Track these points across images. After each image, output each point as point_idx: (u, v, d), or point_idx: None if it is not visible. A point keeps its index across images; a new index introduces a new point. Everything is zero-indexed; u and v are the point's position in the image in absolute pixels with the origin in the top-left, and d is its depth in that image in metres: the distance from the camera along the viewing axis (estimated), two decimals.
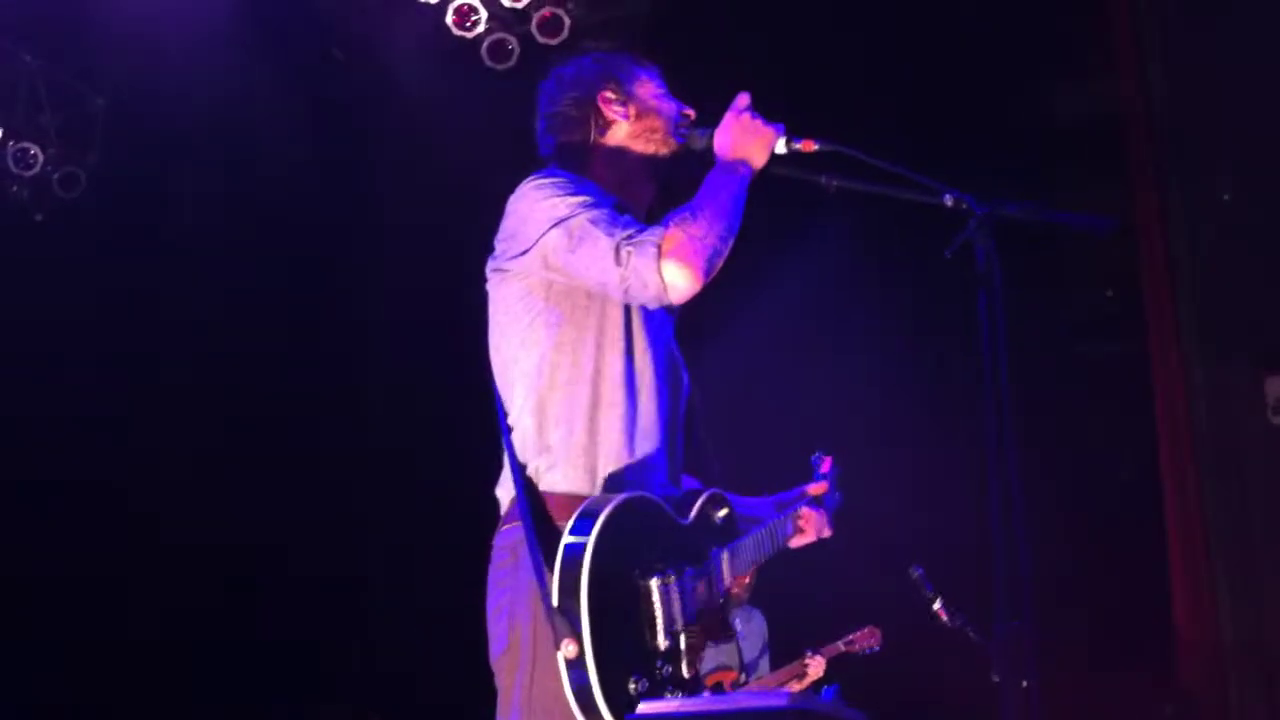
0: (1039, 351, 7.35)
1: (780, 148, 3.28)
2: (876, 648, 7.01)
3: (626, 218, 3.13)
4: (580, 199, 3.15)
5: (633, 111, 3.43)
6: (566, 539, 2.88)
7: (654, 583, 2.96)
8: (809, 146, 3.28)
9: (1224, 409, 7.26)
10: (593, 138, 3.42)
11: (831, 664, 6.93)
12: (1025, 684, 3.20)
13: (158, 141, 8.34)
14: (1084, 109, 7.87)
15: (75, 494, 8.38)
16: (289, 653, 8.71)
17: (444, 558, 6.16)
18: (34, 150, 8.28)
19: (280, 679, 8.75)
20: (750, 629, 7.03)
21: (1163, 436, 7.34)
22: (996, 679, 3.03)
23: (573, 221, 3.11)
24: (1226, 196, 7.32)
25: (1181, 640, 7.23)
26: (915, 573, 6.20)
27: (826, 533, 3.69)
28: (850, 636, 7.02)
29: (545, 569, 2.91)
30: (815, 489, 3.73)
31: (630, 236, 3.05)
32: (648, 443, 3.18)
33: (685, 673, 3.00)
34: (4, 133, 8.18)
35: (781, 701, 2.58)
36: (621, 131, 3.42)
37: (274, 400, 8.71)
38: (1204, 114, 7.37)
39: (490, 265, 3.31)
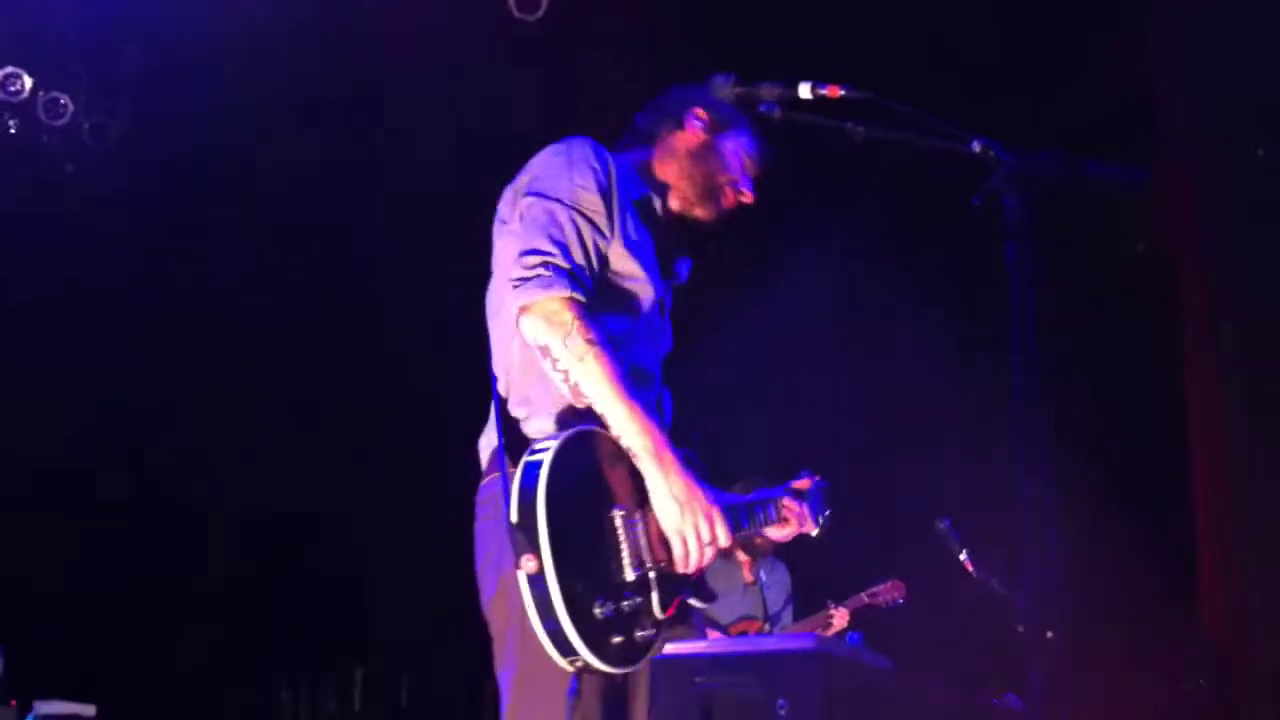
0: (1070, 313, 7.35)
1: (805, 93, 3.27)
2: (900, 600, 7.03)
3: (566, 246, 3.09)
4: (574, 186, 3.17)
5: (706, 140, 3.48)
6: (526, 458, 2.90)
7: (617, 513, 2.96)
8: (834, 92, 3.26)
9: (1255, 370, 7.22)
10: (664, 130, 3.49)
11: (855, 616, 6.96)
12: (1050, 635, 3.21)
13: (189, 91, 8.32)
14: (1112, 78, 7.80)
15: (97, 449, 8.44)
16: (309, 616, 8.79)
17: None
18: (64, 100, 8.28)
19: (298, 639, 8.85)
20: (774, 580, 7.09)
21: (1192, 397, 7.31)
22: (1021, 630, 3.04)
23: (548, 204, 3.13)
24: (1261, 151, 7.26)
25: (1207, 601, 7.23)
26: (942, 524, 6.20)
27: (810, 528, 3.70)
28: (874, 589, 7.05)
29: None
30: (799, 485, 3.75)
31: (546, 263, 3.05)
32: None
33: (658, 612, 2.98)
34: (34, 83, 8.17)
35: (809, 644, 2.60)
36: (683, 144, 3.47)
37: (301, 345, 8.76)
38: (1235, 73, 7.30)
39: (495, 218, 3.33)
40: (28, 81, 8.15)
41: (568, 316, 2.98)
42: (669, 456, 3.00)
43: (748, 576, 7.03)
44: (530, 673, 2.96)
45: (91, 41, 8.32)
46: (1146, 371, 7.57)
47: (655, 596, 2.99)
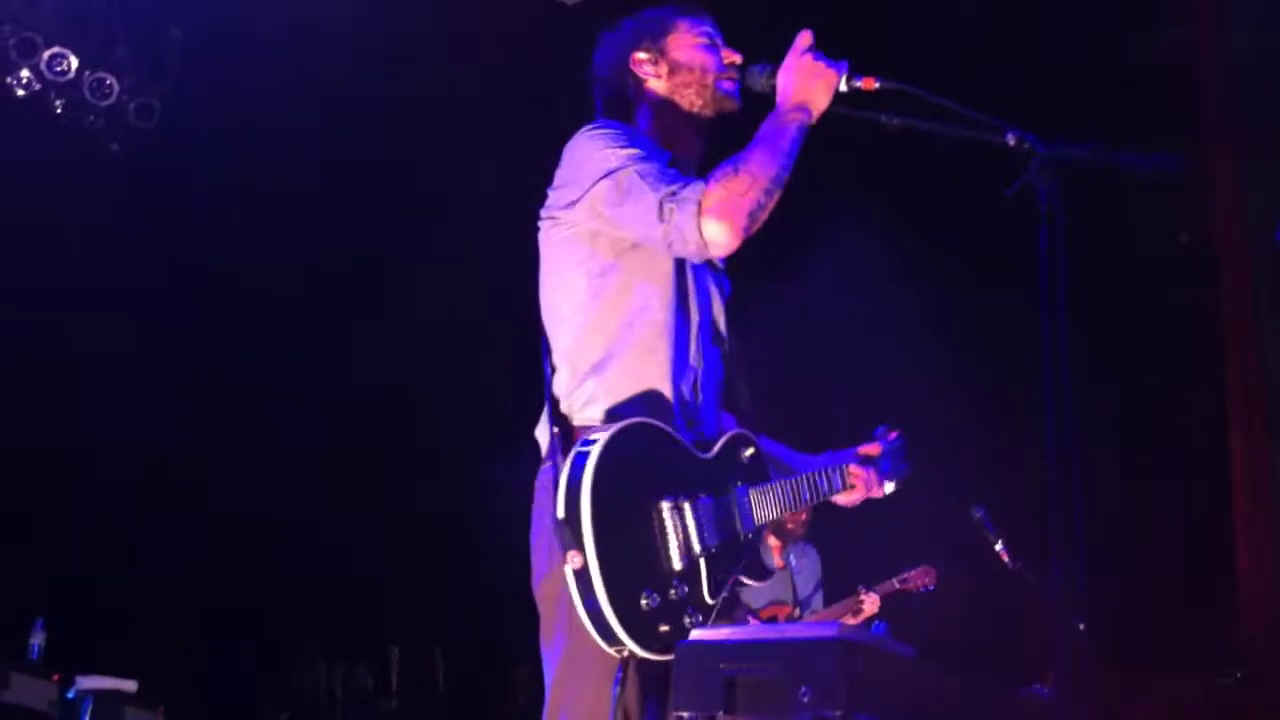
0: (1109, 299, 7.31)
1: (841, 85, 3.28)
2: (931, 586, 7.03)
3: (673, 172, 3.19)
4: (631, 151, 3.22)
5: (664, 69, 3.47)
6: (573, 451, 2.98)
7: (665, 504, 3.03)
8: (870, 84, 3.28)
9: None
10: (632, 96, 3.49)
11: (886, 602, 6.96)
12: (1082, 627, 3.21)
13: (234, 70, 8.36)
14: (1157, 54, 7.74)
15: (141, 430, 8.51)
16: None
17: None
18: (110, 80, 8.32)
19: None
20: (804, 565, 7.07)
21: (1231, 385, 7.26)
22: (1051, 621, 3.04)
23: (621, 174, 3.18)
24: None
25: (1244, 594, 7.18)
26: (977, 514, 6.19)
27: (878, 491, 3.71)
28: (905, 575, 7.05)
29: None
30: (868, 449, 3.75)
31: (674, 192, 3.12)
32: (682, 389, 3.26)
33: (707, 598, 3.06)
34: (80, 63, 8.22)
35: (831, 633, 2.61)
36: (660, 87, 3.47)
37: (341, 321, 8.81)
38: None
39: (542, 213, 3.38)
40: (74, 61, 8.19)
41: (715, 198, 3.07)
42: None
43: (777, 561, 6.98)
44: (576, 654, 3.05)
45: (136, 21, 8.37)
46: (1187, 362, 7.52)
47: (705, 583, 3.07)
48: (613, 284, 3.24)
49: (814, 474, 3.53)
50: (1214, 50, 7.42)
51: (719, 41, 3.52)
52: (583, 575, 2.89)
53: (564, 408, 3.24)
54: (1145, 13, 7.75)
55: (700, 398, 3.31)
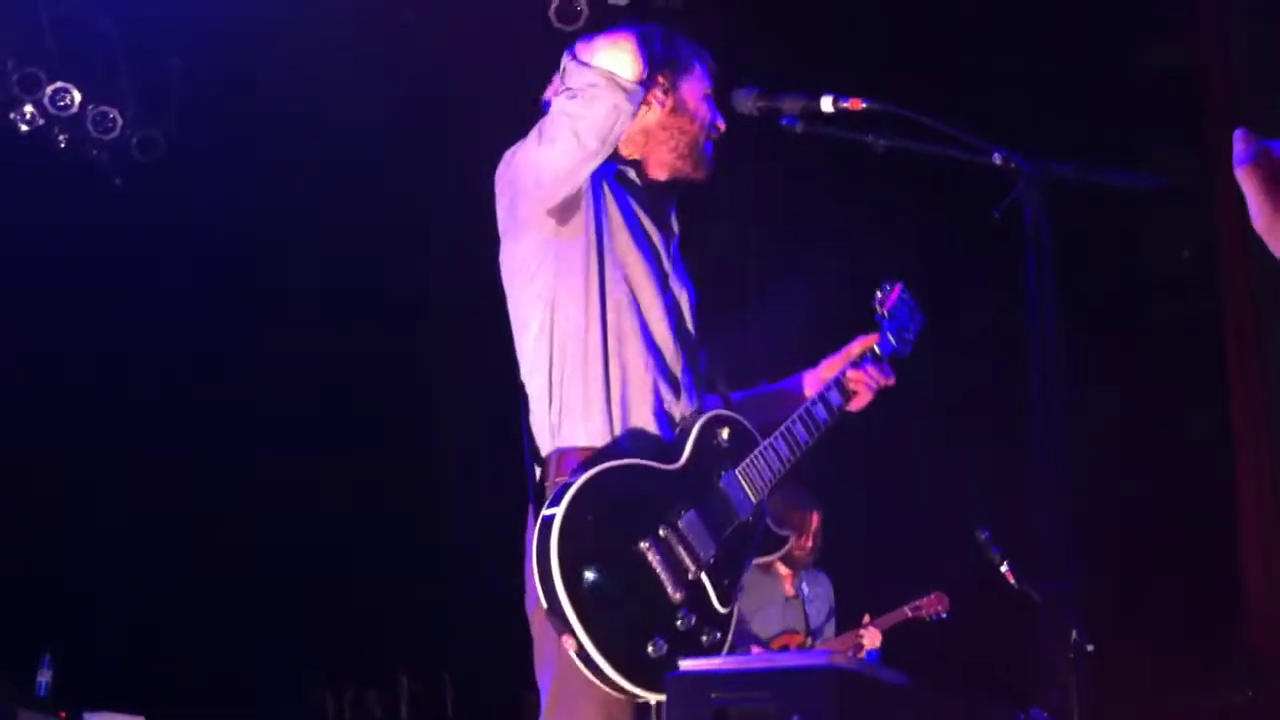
0: (1110, 313, 7.29)
1: (827, 106, 3.29)
2: (944, 614, 6.98)
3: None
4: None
5: (670, 103, 3.46)
6: (535, 535, 2.96)
7: (643, 545, 3.02)
8: (856, 105, 3.28)
9: None
10: None
11: (897, 630, 6.91)
12: (1090, 649, 3.20)
13: (235, 103, 8.39)
14: (1160, 64, 7.73)
15: (147, 457, 8.52)
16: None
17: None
18: (113, 114, 8.36)
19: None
20: (816, 593, 6.97)
21: (1235, 399, 7.23)
22: (1052, 643, 3.03)
23: (531, 137, 3.29)
24: None
25: (1252, 612, 7.14)
26: (981, 535, 6.15)
27: (886, 382, 3.66)
28: (917, 602, 7.00)
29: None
30: (861, 345, 3.70)
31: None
32: (646, 387, 3.24)
33: (719, 608, 3.07)
34: (82, 97, 8.26)
35: (822, 661, 2.60)
36: (652, 117, 3.45)
37: (352, 350, 8.83)
38: None
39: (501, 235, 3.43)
40: (76, 96, 8.24)
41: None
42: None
43: (788, 590, 6.86)
44: (567, 678, 3.04)
45: (138, 56, 8.41)
46: (1190, 380, 7.48)
47: (713, 597, 3.07)
48: (561, 295, 3.28)
49: (806, 410, 3.47)
50: (1216, 59, 7.41)
51: (714, 109, 3.54)
52: (582, 654, 2.91)
53: (545, 427, 3.24)
54: (1147, 21, 7.74)
55: (667, 384, 3.29)
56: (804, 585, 6.91)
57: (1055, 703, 3.15)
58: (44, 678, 7.02)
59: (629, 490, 3.07)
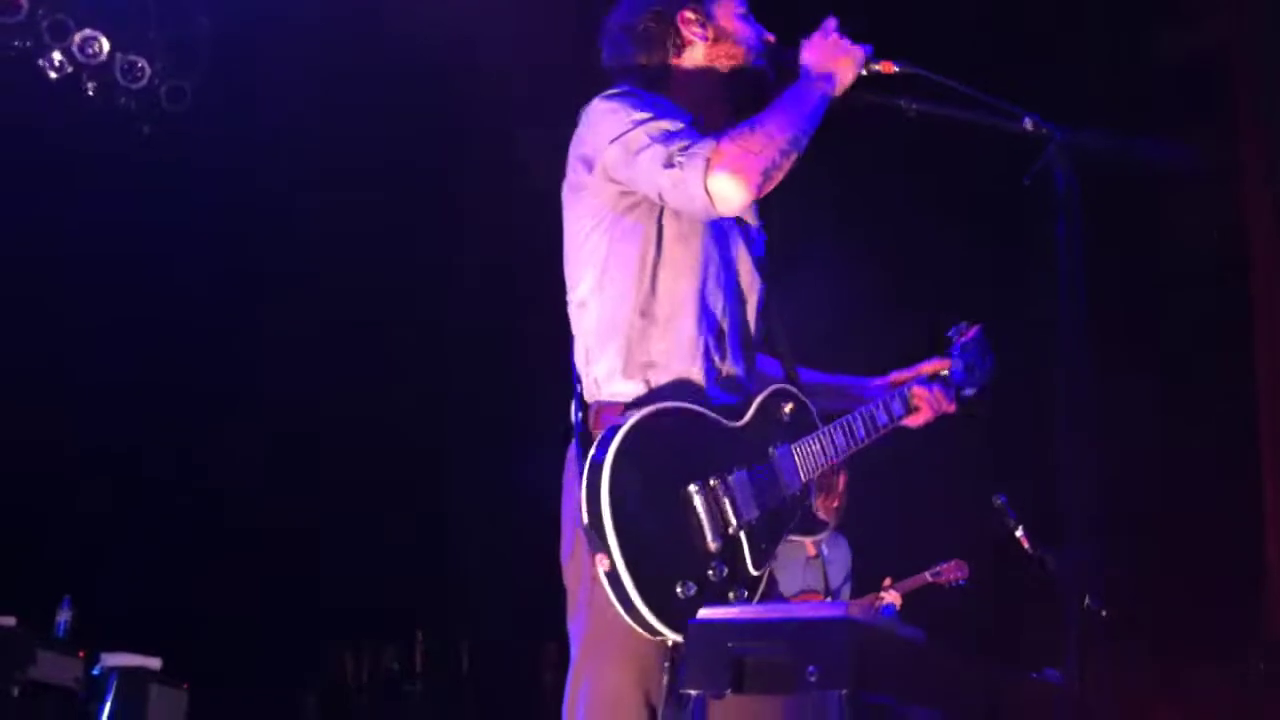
0: (1140, 293, 7.26)
1: (861, 68, 3.27)
2: (963, 580, 7.00)
3: (686, 130, 3.12)
4: (643, 114, 3.16)
5: (711, 33, 3.38)
6: (590, 455, 2.96)
7: (692, 488, 3.01)
8: (888, 68, 3.27)
9: None
10: (670, 57, 3.39)
11: (914, 596, 6.94)
12: (1104, 613, 3.20)
13: (264, 52, 8.38)
14: (1189, 48, 7.68)
15: (171, 417, 8.56)
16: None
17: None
18: (141, 63, 8.36)
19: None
20: (836, 555, 7.03)
21: (1261, 379, 7.22)
22: (1068, 604, 3.03)
23: (630, 135, 3.13)
24: None
25: (1274, 585, 7.15)
26: (998, 500, 6.16)
27: (948, 407, 3.65)
28: (937, 568, 7.03)
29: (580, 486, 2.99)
30: (933, 366, 3.69)
31: (685, 147, 3.05)
32: (708, 354, 3.21)
33: (751, 569, 3.06)
34: (111, 46, 8.26)
35: (839, 612, 2.60)
36: (699, 53, 3.39)
37: (376, 312, 8.84)
38: None
39: (564, 187, 3.34)
40: (105, 44, 8.23)
41: (727, 154, 3.00)
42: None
43: (810, 550, 6.95)
44: (600, 630, 3.06)
45: (167, 6, 8.41)
46: (1215, 359, 7.46)
47: (748, 556, 3.07)
48: (629, 254, 3.19)
49: (868, 410, 3.46)
50: (1246, 44, 7.37)
51: (754, 22, 3.47)
52: (613, 576, 2.90)
53: (588, 382, 3.22)
54: (1177, 6, 7.69)
55: (729, 355, 3.26)
56: (825, 547, 6.98)
57: (1068, 667, 3.16)
58: (63, 618, 7.08)
59: (690, 433, 3.07)
